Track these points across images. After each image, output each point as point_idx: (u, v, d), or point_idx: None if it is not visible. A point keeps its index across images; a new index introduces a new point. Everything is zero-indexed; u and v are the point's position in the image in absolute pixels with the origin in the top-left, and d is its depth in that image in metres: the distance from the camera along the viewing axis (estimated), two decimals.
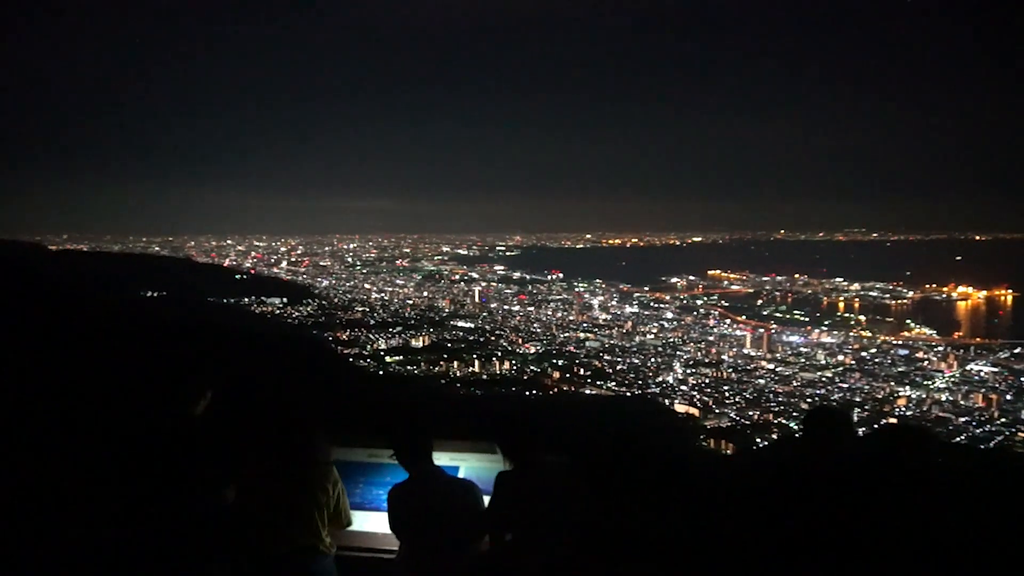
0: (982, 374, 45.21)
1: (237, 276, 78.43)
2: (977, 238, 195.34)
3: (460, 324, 62.41)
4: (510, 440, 3.40)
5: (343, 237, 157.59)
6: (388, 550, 3.65)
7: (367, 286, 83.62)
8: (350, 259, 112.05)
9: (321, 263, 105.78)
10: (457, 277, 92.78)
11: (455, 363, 49.08)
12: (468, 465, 4.09)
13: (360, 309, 66.93)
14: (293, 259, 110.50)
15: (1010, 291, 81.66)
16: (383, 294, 78.42)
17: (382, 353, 51.29)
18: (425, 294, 78.92)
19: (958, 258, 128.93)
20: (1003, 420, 37.51)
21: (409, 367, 48.46)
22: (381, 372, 44.23)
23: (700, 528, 3.50)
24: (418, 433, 3.52)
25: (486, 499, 3.50)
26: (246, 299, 64.24)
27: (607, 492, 3.50)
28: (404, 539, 3.47)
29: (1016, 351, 49.30)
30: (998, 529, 3.98)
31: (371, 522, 3.94)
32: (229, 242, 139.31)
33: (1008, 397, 40.51)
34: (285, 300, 65.88)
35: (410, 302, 73.83)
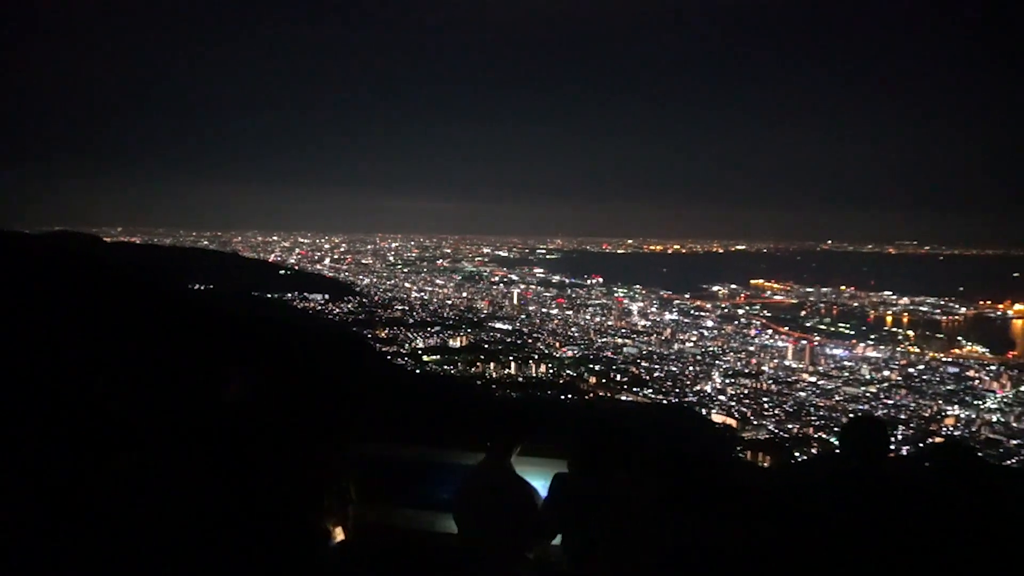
0: None
1: (282, 271, 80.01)
2: None
3: (498, 325, 62.64)
4: (590, 446, 3.36)
5: (386, 236, 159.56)
6: (436, 545, 3.68)
7: (407, 285, 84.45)
8: (392, 258, 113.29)
9: (363, 261, 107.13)
10: (497, 279, 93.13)
11: (492, 364, 49.21)
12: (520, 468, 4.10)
13: (400, 308, 67.65)
14: (336, 256, 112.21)
15: None
16: (423, 293, 79.08)
17: (420, 352, 51.71)
18: (464, 295, 79.31)
19: (1015, 275, 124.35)
20: None
21: (446, 367, 48.75)
22: (418, 371, 44.61)
23: (750, 543, 3.47)
24: (521, 431, 3.55)
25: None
26: (289, 294, 65.48)
27: (674, 505, 3.49)
28: (460, 522, 3.49)
29: None
30: None
31: (421, 519, 3.99)
32: (275, 238, 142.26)
33: None
34: (327, 296, 66.97)
35: (449, 302, 74.32)
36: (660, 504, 3.34)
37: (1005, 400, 43.03)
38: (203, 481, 3.32)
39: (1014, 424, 39.22)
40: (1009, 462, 32.61)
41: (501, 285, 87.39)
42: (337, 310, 63.14)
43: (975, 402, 42.74)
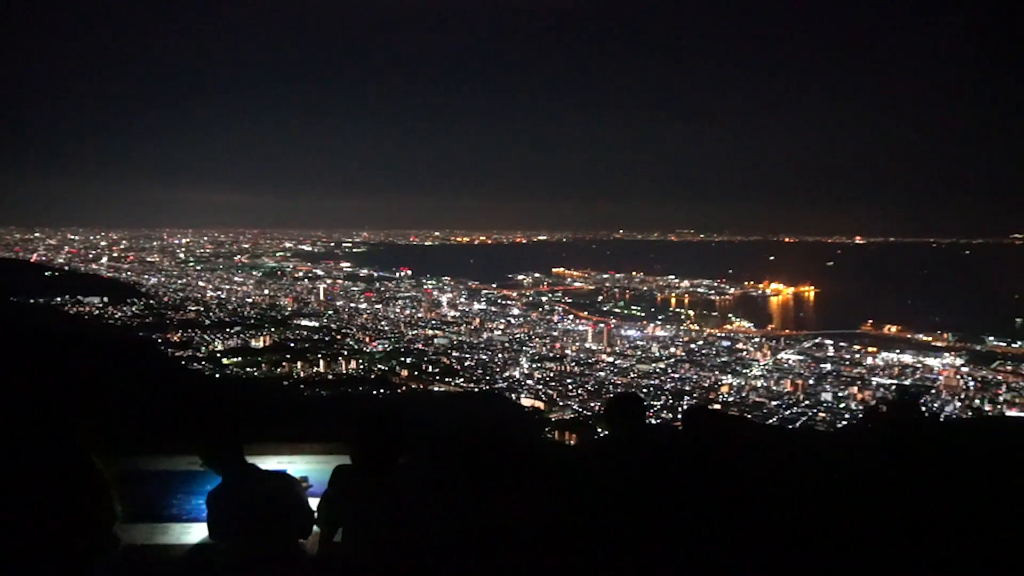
0: (790, 362, 50.48)
1: (47, 273, 70.72)
2: (786, 240, 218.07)
3: (304, 323, 60.34)
4: (368, 437, 3.33)
5: (174, 231, 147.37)
6: (209, 559, 3.48)
7: (202, 284, 78.53)
8: (182, 255, 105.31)
9: (149, 259, 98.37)
10: (301, 274, 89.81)
11: (299, 363, 47.27)
12: (310, 467, 3.97)
13: (194, 308, 62.75)
14: (116, 254, 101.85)
15: (812, 287, 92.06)
16: (220, 292, 74.01)
17: (219, 355, 48.35)
18: (266, 292, 75.38)
19: (771, 258, 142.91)
20: (807, 402, 42.08)
21: (249, 369, 46.05)
22: (217, 375, 41.68)
23: (547, 517, 3.64)
24: (224, 434, 3.39)
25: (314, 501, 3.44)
26: (58, 299, 58.10)
27: (459, 489, 3.55)
28: (225, 541, 3.33)
29: (817, 341, 55.47)
30: (796, 497, 4.52)
31: (191, 534, 3.76)
32: (38, 235, 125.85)
33: (811, 382, 45.53)
34: (106, 299, 60.31)
35: (250, 300, 70.27)
36: (453, 487, 3.44)
37: (767, 367, 49.31)
38: None
39: (774, 388, 45.08)
40: (771, 421, 37.46)
41: (306, 281, 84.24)
42: (119, 314, 57.02)
43: (744, 371, 48.52)
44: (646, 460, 3.43)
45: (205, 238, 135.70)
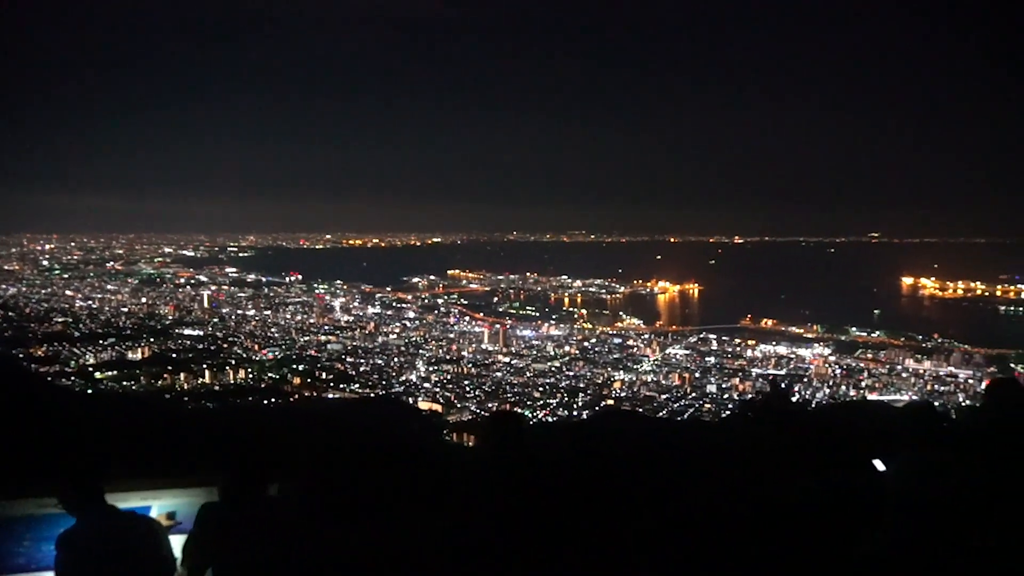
0: (678, 356, 52.74)
1: None
2: (672, 240, 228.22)
3: (187, 332, 57.31)
4: (235, 475, 3.20)
5: (36, 237, 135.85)
6: None
7: (69, 293, 72.89)
8: (46, 262, 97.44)
9: (6, 267, 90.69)
10: (182, 280, 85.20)
11: (182, 375, 44.81)
12: (179, 501, 3.74)
13: (61, 320, 58.30)
14: None
15: (697, 285, 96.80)
16: (91, 302, 68.98)
17: (91, 369, 45.08)
18: (144, 300, 70.93)
19: (658, 257, 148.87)
20: (694, 395, 44.13)
21: (126, 383, 43.19)
22: (90, 391, 38.75)
23: (432, 537, 3.63)
24: (83, 471, 3.16)
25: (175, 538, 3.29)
26: None
27: (339, 513, 3.48)
28: None
29: (701, 335, 58.27)
30: (689, 486, 4.74)
31: None
32: None
33: (697, 375, 47.77)
34: None
35: (125, 310, 65.90)
36: (332, 512, 3.38)
37: (656, 362, 51.30)
38: None
39: (663, 382, 46.96)
40: (661, 414, 39.02)
41: (188, 287, 79.94)
42: None
43: (635, 366, 50.22)
44: (523, 478, 3.50)
45: (72, 244, 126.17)
